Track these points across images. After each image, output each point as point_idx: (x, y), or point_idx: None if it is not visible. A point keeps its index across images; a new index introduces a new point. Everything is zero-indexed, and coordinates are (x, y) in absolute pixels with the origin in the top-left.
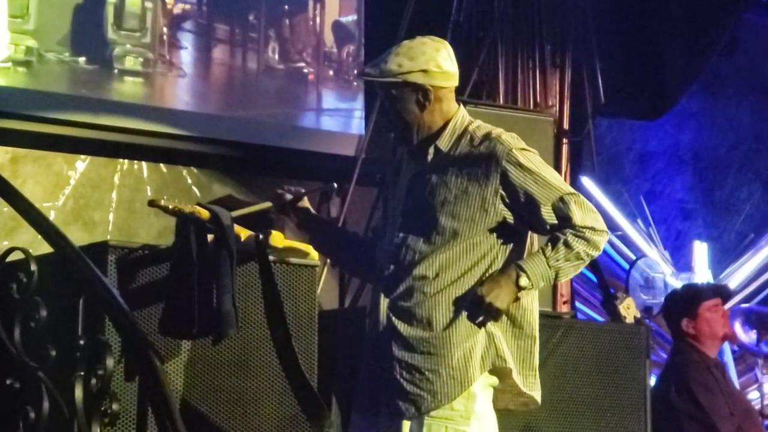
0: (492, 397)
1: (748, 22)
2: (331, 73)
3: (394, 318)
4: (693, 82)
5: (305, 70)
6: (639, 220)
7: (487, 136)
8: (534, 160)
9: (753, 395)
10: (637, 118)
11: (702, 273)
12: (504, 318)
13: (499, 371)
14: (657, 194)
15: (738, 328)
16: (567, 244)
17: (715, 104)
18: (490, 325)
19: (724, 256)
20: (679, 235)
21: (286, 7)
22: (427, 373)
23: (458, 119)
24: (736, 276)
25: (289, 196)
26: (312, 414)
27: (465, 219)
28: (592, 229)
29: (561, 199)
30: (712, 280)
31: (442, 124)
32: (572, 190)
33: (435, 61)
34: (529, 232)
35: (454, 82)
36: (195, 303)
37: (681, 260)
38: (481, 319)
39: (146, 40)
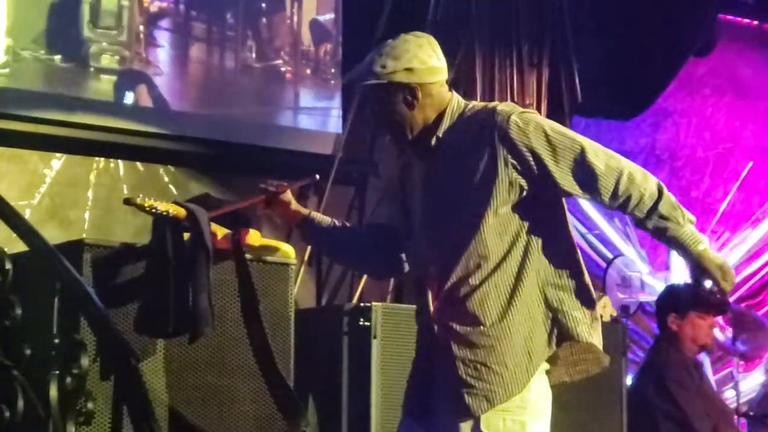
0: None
1: (723, 23)
2: (308, 71)
3: (446, 318)
4: (669, 82)
5: (283, 69)
6: (616, 219)
7: (484, 112)
8: (535, 120)
9: (729, 393)
10: (614, 118)
11: (678, 272)
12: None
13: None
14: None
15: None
16: (638, 203)
17: (692, 104)
18: (553, 302)
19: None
20: None
21: (264, 5)
22: (493, 366)
23: (453, 106)
24: None
25: (273, 190)
26: (288, 413)
27: (485, 201)
28: (619, 170)
29: (575, 153)
30: (689, 279)
31: (437, 116)
32: (578, 139)
33: (419, 57)
34: (562, 205)
35: (442, 75)
36: (171, 301)
37: (658, 259)
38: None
39: (123, 38)
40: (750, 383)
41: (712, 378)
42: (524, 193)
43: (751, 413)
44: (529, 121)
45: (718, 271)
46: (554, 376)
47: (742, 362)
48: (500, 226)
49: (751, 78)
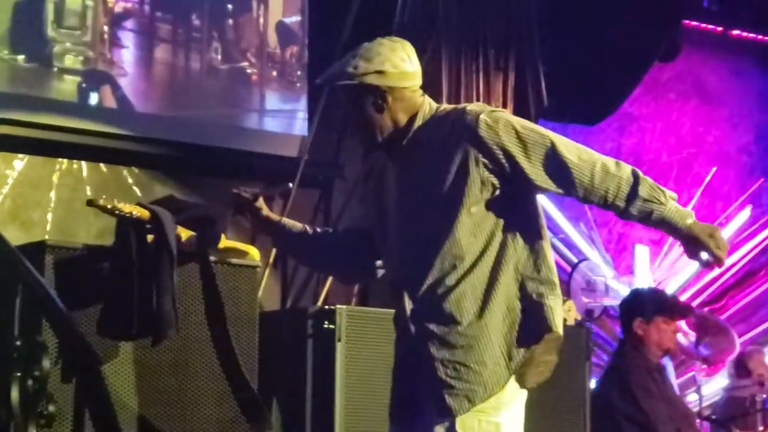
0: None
1: (688, 29)
2: (274, 73)
3: (423, 320)
4: (635, 87)
5: (248, 71)
6: (581, 224)
7: (454, 113)
8: (504, 117)
9: (692, 397)
10: (580, 122)
11: (643, 276)
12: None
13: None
14: None
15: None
16: (617, 192)
17: (657, 109)
18: (533, 295)
19: (665, 259)
20: (621, 238)
21: (230, 7)
22: (473, 365)
23: (425, 109)
24: (676, 279)
25: (247, 195)
26: (252, 416)
27: (458, 201)
28: (592, 162)
29: (546, 148)
30: (653, 284)
31: (408, 119)
32: (549, 134)
33: (391, 61)
34: (534, 199)
35: (415, 80)
36: (134, 304)
37: (622, 263)
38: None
39: (87, 38)
40: (713, 387)
41: (675, 382)
42: (497, 192)
43: (714, 417)
44: (498, 119)
45: (711, 240)
46: (528, 380)
47: (704, 366)
48: (474, 225)
49: (716, 84)
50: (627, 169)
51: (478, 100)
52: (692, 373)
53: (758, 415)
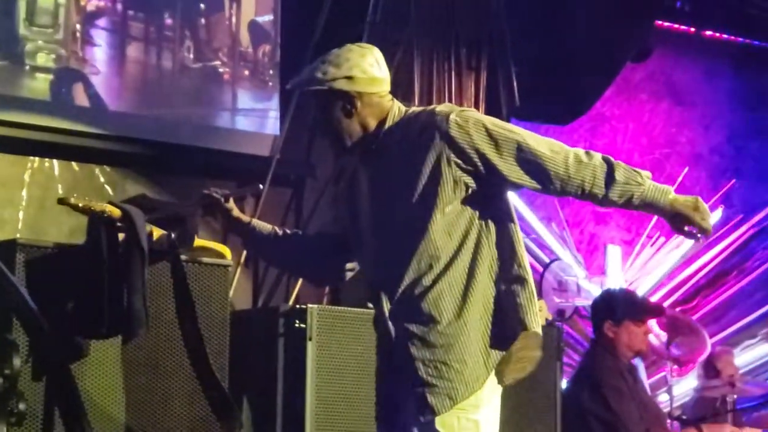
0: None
1: (660, 29)
2: (246, 72)
3: (402, 321)
4: (607, 87)
5: (220, 70)
6: (553, 224)
7: (424, 114)
8: (474, 117)
9: (663, 397)
10: (552, 122)
11: (615, 276)
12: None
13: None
14: (571, 198)
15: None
16: (593, 180)
17: (629, 109)
18: (507, 294)
19: (637, 259)
20: (593, 238)
21: (202, 5)
22: (453, 363)
23: (394, 112)
24: (648, 279)
25: (217, 198)
26: (223, 414)
27: (431, 201)
28: (564, 154)
29: (518, 144)
30: (624, 284)
31: (377, 123)
32: (519, 131)
33: (360, 67)
34: (507, 197)
35: (383, 87)
36: (105, 302)
37: (594, 263)
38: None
39: (59, 36)
40: (684, 387)
41: (646, 382)
42: (470, 191)
43: (684, 417)
44: (468, 119)
45: (696, 213)
46: (507, 376)
47: (675, 366)
48: (448, 224)
49: (688, 85)
50: (598, 156)
51: (450, 99)
52: (663, 374)
53: (729, 415)
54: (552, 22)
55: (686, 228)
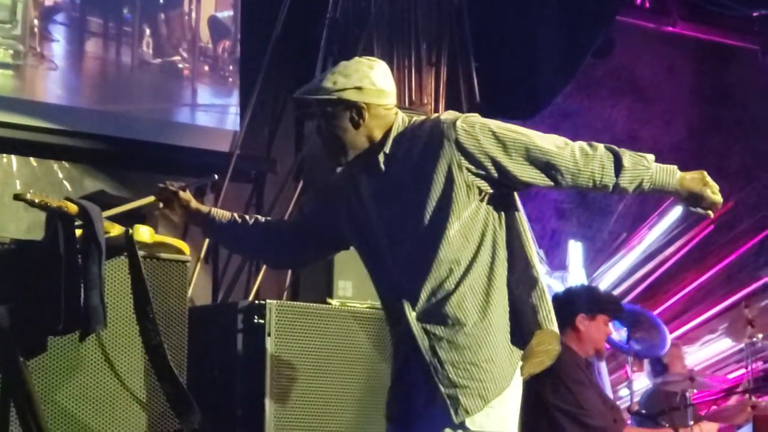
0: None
1: (622, 24)
2: (206, 68)
3: (428, 325)
4: (568, 83)
5: (180, 65)
6: None
7: (429, 123)
8: (479, 121)
9: (623, 392)
10: (513, 118)
11: (576, 272)
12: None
13: None
14: (532, 194)
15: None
16: (602, 170)
17: (591, 105)
18: (521, 293)
19: (598, 255)
20: (554, 234)
21: (161, 1)
22: (482, 364)
23: (398, 123)
24: (609, 275)
25: (174, 188)
26: (181, 410)
27: (446, 207)
28: (570, 148)
29: (525, 144)
30: (585, 280)
31: (382, 135)
32: (524, 131)
33: (369, 78)
34: (515, 198)
35: (391, 99)
36: (62, 298)
37: (556, 259)
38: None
39: (17, 32)
40: (644, 382)
41: (607, 378)
42: (483, 194)
43: (643, 411)
44: (474, 124)
45: (706, 188)
46: (524, 370)
47: (636, 362)
48: (465, 228)
49: (649, 80)
50: (601, 146)
51: (410, 95)
52: (624, 369)
53: (688, 410)
54: (513, 16)
55: (701, 204)
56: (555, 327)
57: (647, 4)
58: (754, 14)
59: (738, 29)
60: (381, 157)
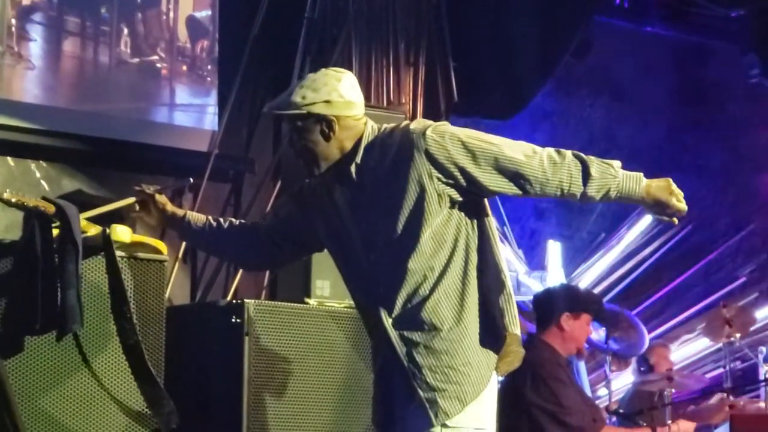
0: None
1: (600, 24)
2: (184, 68)
3: (405, 332)
4: (546, 82)
5: (158, 65)
6: (493, 219)
7: (398, 133)
8: (449, 131)
9: (602, 392)
10: (491, 118)
11: (555, 272)
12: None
13: None
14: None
15: None
16: (570, 179)
17: (569, 104)
18: (491, 297)
19: (577, 255)
20: (533, 234)
21: (139, 0)
22: (460, 367)
23: (368, 133)
24: (588, 274)
25: (150, 192)
26: (158, 410)
27: (418, 216)
28: (538, 156)
29: (494, 154)
30: (564, 279)
31: (353, 145)
32: (493, 140)
33: (337, 91)
34: (485, 204)
35: (359, 110)
36: (38, 298)
37: (534, 259)
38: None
39: None
40: (622, 382)
41: (586, 378)
42: (454, 202)
43: (621, 411)
44: (444, 133)
45: (672, 197)
46: (499, 370)
47: (614, 361)
48: (438, 236)
49: (627, 80)
50: (569, 153)
51: (388, 95)
52: (603, 368)
53: (666, 409)
54: (491, 16)
55: (666, 212)
56: (518, 330)
57: (626, 4)
58: (732, 14)
59: (716, 29)
60: (353, 168)
